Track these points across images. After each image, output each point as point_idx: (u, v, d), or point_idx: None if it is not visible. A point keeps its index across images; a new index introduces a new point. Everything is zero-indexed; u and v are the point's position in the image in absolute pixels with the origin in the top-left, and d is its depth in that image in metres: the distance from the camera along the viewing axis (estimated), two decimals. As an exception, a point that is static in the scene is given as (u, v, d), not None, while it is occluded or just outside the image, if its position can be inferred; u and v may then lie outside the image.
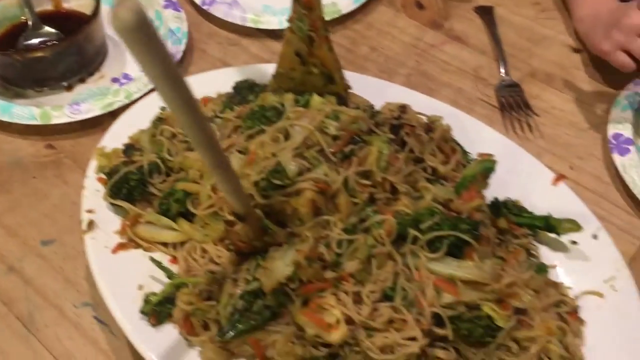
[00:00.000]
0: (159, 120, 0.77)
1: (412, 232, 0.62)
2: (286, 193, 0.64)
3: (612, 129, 0.89)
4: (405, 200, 0.64)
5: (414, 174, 0.67)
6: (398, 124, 0.70)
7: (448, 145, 0.72)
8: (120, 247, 0.69)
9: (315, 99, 0.71)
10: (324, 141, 0.65)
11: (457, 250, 0.63)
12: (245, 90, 0.78)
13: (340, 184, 0.63)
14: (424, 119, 0.75)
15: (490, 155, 0.68)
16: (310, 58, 0.74)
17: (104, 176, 0.74)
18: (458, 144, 0.74)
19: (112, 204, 0.72)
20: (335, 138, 0.66)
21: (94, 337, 0.73)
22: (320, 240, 0.62)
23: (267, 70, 0.80)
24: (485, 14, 1.10)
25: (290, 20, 0.73)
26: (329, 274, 0.61)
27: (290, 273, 0.60)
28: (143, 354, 0.61)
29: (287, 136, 0.67)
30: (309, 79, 0.74)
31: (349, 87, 0.77)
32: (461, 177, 0.67)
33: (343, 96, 0.75)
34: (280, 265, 0.60)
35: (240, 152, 0.70)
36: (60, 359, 0.71)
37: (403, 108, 0.74)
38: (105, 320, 0.74)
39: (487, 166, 0.67)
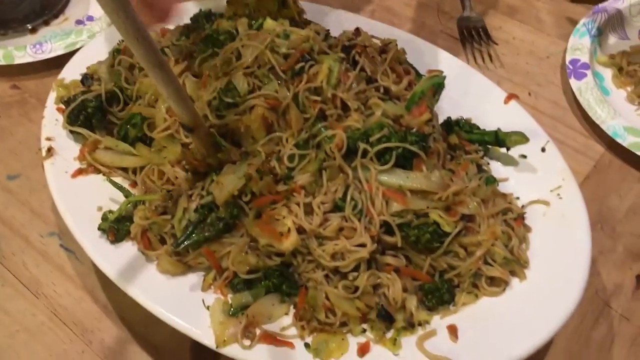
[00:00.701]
0: (117, 52, 0.78)
1: (362, 145, 0.64)
2: (238, 111, 0.65)
3: (569, 55, 0.90)
4: (356, 115, 0.66)
5: (366, 92, 0.68)
6: (350, 44, 0.71)
7: (401, 67, 0.73)
8: (80, 172, 0.70)
9: (268, 22, 0.72)
10: (274, 59, 0.66)
11: (406, 162, 0.64)
12: (202, 19, 0.79)
13: (290, 100, 0.64)
14: (378, 42, 0.75)
15: (440, 71, 0.69)
16: None
17: (62, 106, 0.74)
18: (412, 67, 0.75)
19: (71, 132, 0.73)
20: (285, 57, 0.67)
21: (60, 263, 0.75)
22: (272, 154, 0.64)
23: (223, 1, 0.81)
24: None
25: None
26: (281, 187, 0.63)
27: (241, 185, 0.61)
28: (103, 269, 0.63)
29: (238, 57, 0.68)
30: (263, 3, 0.75)
31: (302, 11, 0.77)
32: (411, 94, 0.68)
33: (297, 20, 0.75)
34: (233, 178, 0.62)
35: (194, 76, 0.70)
36: (27, 285, 0.73)
37: (357, 31, 0.75)
38: (70, 248, 0.75)
39: (436, 81, 0.68)
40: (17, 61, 0.91)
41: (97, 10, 1.00)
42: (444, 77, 0.69)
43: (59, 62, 0.91)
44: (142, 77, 0.73)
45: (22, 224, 0.78)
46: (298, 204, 0.62)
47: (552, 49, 0.95)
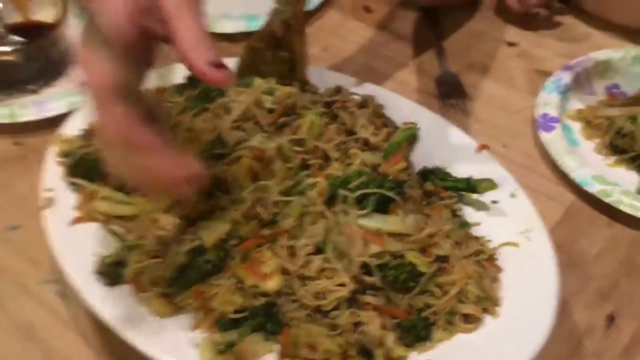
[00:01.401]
0: (116, 108, 0.83)
1: (342, 192, 0.68)
2: (227, 162, 0.70)
3: (540, 110, 0.96)
4: (337, 164, 0.71)
5: (346, 144, 0.74)
6: (330, 100, 0.77)
7: (380, 120, 0.78)
8: (78, 220, 0.74)
9: (257, 80, 0.78)
10: (259, 114, 0.71)
11: (383, 207, 0.69)
12: (196, 79, 0.85)
13: (274, 151, 0.69)
14: (358, 98, 0.81)
15: (414, 123, 0.75)
16: (283, 42, 0.79)
17: (63, 160, 0.79)
18: (390, 120, 0.81)
19: (71, 184, 0.77)
20: (270, 111, 0.72)
21: (55, 308, 0.78)
22: (258, 201, 0.68)
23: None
24: (428, 15, 1.18)
25: (276, 1, 0.78)
26: (266, 231, 0.67)
27: (228, 229, 0.65)
28: (97, 312, 0.66)
29: (227, 111, 0.73)
30: (276, 62, 0.79)
31: (307, 82, 0.82)
32: (388, 144, 0.74)
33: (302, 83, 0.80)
34: (220, 223, 0.66)
35: (188, 131, 0.76)
36: (22, 329, 0.76)
37: (338, 88, 0.81)
38: (66, 294, 0.79)
39: (411, 133, 0.74)
40: (20, 119, 0.97)
41: (97, 72, 1.06)
42: (418, 129, 0.74)
43: (61, 120, 0.97)
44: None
45: (20, 271, 0.81)
46: (282, 247, 0.66)
47: (523, 104, 1.02)
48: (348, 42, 1.14)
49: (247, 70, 0.81)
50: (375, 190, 0.68)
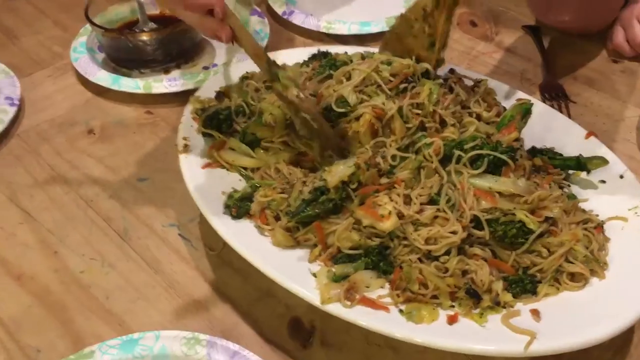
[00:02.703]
0: (245, 78, 0.92)
1: (457, 152, 0.73)
2: (348, 119, 0.77)
3: (644, 117, 0.98)
4: (452, 129, 0.76)
5: (461, 114, 0.79)
6: (446, 77, 0.82)
7: (490, 98, 0.83)
8: (208, 165, 0.82)
9: (377, 54, 0.85)
10: (380, 79, 0.78)
11: (495, 170, 0.73)
12: (320, 55, 0.93)
13: (395, 111, 0.75)
14: (471, 80, 0.87)
15: (527, 99, 0.79)
16: (429, 17, 0.81)
17: (196, 116, 0.88)
18: (500, 103, 0.86)
19: (204, 135, 0.86)
20: (390, 80, 0.79)
21: (177, 248, 0.85)
22: (378, 152, 0.74)
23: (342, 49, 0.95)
24: (533, 31, 1.23)
25: None
26: (384, 180, 0.72)
27: (350, 173, 0.71)
28: (225, 237, 0.72)
29: (349, 78, 0.80)
30: (419, 36, 0.82)
31: (442, 61, 0.85)
32: (501, 118, 0.78)
33: (430, 70, 0.83)
34: (343, 167, 0.72)
35: (312, 95, 0.83)
36: (148, 263, 0.83)
37: (452, 69, 0.86)
38: (187, 237, 0.86)
39: (525, 107, 0.78)
40: (154, 91, 1.08)
41: (221, 59, 1.17)
42: (532, 104, 0.78)
43: (187, 95, 1.07)
44: (264, 99, 0.86)
45: (148, 215, 0.90)
46: (398, 194, 0.71)
47: (627, 113, 1.04)
48: (453, 50, 1.20)
49: (395, 38, 0.85)
50: (488, 152, 0.72)
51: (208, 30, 0.78)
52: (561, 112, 1.03)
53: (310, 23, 1.24)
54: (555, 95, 1.06)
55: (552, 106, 1.03)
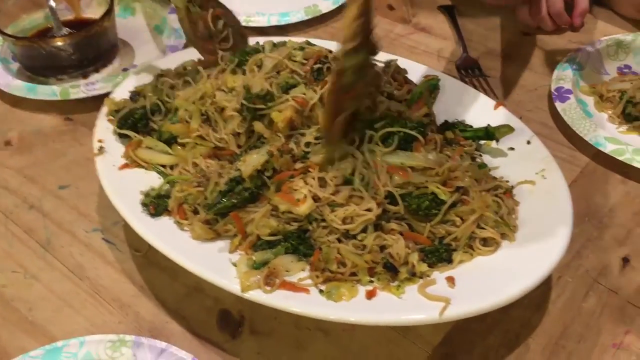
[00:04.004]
0: (160, 76, 0.92)
1: (369, 132, 0.74)
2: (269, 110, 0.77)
3: (554, 84, 1.02)
4: (363, 110, 0.77)
5: (373, 94, 0.80)
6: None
7: (400, 76, 0.85)
8: (125, 166, 0.81)
9: (289, 41, 0.85)
10: (293, 65, 0.78)
11: (407, 146, 0.74)
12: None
13: (317, 100, 0.76)
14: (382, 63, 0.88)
15: (435, 75, 0.81)
16: None
17: (112, 118, 0.87)
18: (412, 81, 0.87)
19: (120, 135, 0.85)
20: (303, 65, 0.79)
21: (101, 252, 0.84)
22: (290, 138, 0.74)
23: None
24: (448, 10, 1.26)
25: None
26: (298, 165, 0.73)
27: (264, 161, 0.72)
28: (144, 236, 0.72)
29: (260, 67, 0.81)
30: None
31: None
32: (410, 95, 0.80)
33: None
34: (257, 156, 0.73)
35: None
36: (72, 270, 0.82)
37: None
38: (111, 240, 0.85)
39: (432, 83, 0.80)
40: (72, 97, 1.05)
41: (140, 59, 1.16)
42: (439, 80, 0.80)
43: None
44: (179, 96, 0.86)
45: (70, 222, 0.88)
46: (313, 178, 0.72)
47: (539, 82, 1.08)
48: (373, 34, 1.22)
49: None
50: (398, 128, 0.74)
51: None
52: (477, 87, 1.06)
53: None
54: (471, 71, 1.09)
55: (468, 81, 1.06)
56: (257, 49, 0.85)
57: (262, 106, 0.77)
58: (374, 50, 0.71)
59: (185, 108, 0.83)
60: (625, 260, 0.80)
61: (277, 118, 0.76)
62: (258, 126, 0.78)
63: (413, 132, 0.74)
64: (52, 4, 1.16)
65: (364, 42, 0.67)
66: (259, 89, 0.78)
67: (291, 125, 0.77)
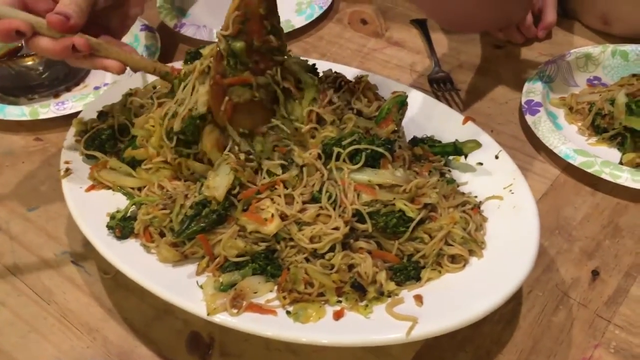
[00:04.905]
0: (129, 95, 0.91)
1: (336, 149, 0.74)
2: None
3: (524, 97, 1.02)
4: (330, 127, 0.77)
5: (342, 110, 0.80)
6: (335, 76, 0.84)
7: (371, 93, 0.85)
8: (92, 187, 0.80)
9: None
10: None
11: (374, 163, 0.74)
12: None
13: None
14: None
15: (402, 92, 0.81)
16: None
17: (80, 138, 0.86)
18: (382, 97, 0.87)
19: (87, 156, 0.84)
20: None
21: (70, 276, 0.83)
22: (247, 152, 0.75)
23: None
24: (420, 24, 1.26)
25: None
26: (264, 181, 0.73)
27: (232, 179, 0.71)
28: (110, 260, 0.71)
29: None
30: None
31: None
32: (379, 111, 0.80)
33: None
34: (221, 177, 0.72)
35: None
36: (40, 294, 0.81)
37: (332, 71, 0.88)
38: (80, 263, 0.84)
39: (400, 99, 0.80)
40: (41, 117, 1.04)
41: (112, 78, 1.15)
42: (406, 96, 0.80)
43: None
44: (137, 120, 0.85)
45: (39, 245, 0.87)
46: (279, 195, 0.72)
47: (510, 95, 1.08)
48: (345, 49, 1.22)
49: None
50: (366, 146, 0.74)
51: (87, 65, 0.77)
52: (448, 100, 1.07)
53: (202, 34, 1.23)
54: (443, 84, 1.10)
55: (440, 95, 1.07)
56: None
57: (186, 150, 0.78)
58: (252, 44, 0.74)
59: (141, 135, 0.82)
60: (595, 273, 0.80)
61: (205, 148, 0.76)
62: (194, 166, 0.78)
63: (380, 149, 0.74)
64: (22, 23, 1.15)
65: (240, 32, 0.73)
66: (178, 129, 0.77)
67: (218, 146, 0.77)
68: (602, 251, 0.83)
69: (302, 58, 0.83)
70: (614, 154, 0.96)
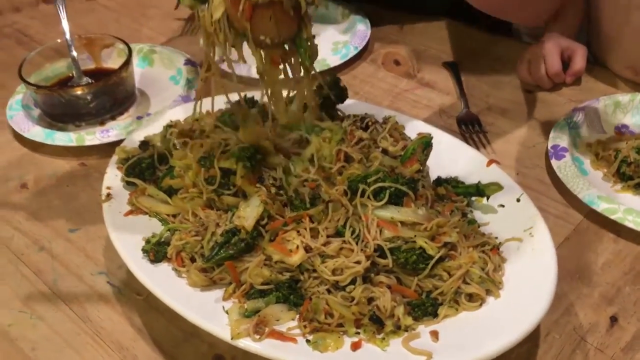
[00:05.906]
0: (169, 127, 0.96)
1: (362, 186, 0.78)
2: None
3: (551, 142, 1.05)
4: (357, 165, 0.81)
5: (368, 148, 0.84)
6: (363, 117, 0.88)
7: (397, 132, 0.88)
8: (130, 212, 0.85)
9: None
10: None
11: (398, 201, 0.77)
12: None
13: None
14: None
15: (428, 133, 0.84)
16: None
17: (122, 165, 0.92)
18: (408, 137, 0.91)
19: (127, 183, 0.89)
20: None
21: (105, 295, 0.87)
22: (279, 188, 0.79)
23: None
24: (451, 67, 1.30)
25: None
26: (291, 214, 0.76)
27: (262, 210, 0.75)
28: (143, 282, 0.75)
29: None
30: None
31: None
32: (405, 151, 0.84)
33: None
34: (251, 208, 0.76)
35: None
36: (76, 311, 0.85)
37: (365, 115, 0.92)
38: (115, 284, 0.89)
39: (425, 141, 0.83)
40: (87, 143, 1.11)
41: (155, 108, 1.21)
42: (431, 137, 0.84)
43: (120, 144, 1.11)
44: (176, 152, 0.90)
45: (77, 265, 0.92)
46: (305, 228, 0.75)
47: (537, 139, 1.10)
48: (377, 88, 1.27)
49: None
50: (390, 184, 0.77)
51: None
52: (476, 141, 1.09)
53: (241, 69, 1.29)
54: (472, 126, 1.13)
55: (468, 136, 1.10)
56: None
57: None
58: None
59: (179, 166, 0.87)
60: (613, 319, 0.81)
61: (239, 182, 0.81)
62: (228, 200, 0.82)
63: (404, 188, 0.77)
64: (74, 54, 1.23)
65: None
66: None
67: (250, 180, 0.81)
68: (622, 297, 0.84)
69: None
70: (639, 202, 0.97)
